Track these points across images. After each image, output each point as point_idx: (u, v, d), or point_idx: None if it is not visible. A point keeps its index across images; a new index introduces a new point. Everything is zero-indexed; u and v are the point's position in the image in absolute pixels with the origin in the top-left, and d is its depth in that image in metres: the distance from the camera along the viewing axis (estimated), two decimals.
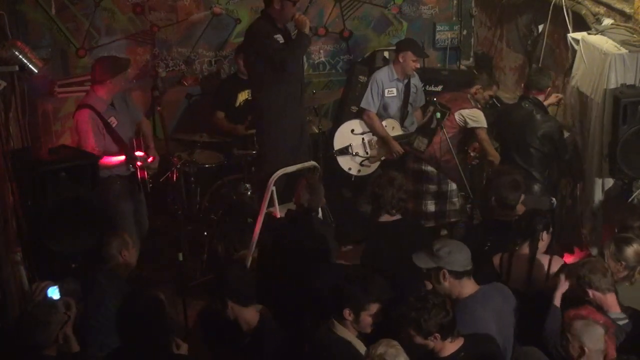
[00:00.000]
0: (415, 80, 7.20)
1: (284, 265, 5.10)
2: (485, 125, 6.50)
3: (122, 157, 6.14)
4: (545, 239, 4.84)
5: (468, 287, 4.32)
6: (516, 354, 4.04)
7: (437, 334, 3.88)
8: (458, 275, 4.28)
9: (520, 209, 5.35)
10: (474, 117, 6.49)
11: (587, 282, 4.31)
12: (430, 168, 6.64)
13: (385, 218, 5.22)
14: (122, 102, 6.37)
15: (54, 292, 4.48)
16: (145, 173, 6.26)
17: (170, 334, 4.15)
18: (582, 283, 4.32)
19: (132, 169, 6.20)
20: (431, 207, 6.71)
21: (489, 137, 6.63)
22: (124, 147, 6.17)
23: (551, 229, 4.90)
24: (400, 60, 7.00)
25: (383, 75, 7.13)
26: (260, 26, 6.41)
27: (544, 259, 4.80)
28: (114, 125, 6.17)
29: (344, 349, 4.10)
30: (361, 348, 4.11)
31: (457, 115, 6.52)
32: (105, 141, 6.17)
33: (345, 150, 7.16)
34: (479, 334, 4.09)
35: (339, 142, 7.18)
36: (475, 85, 6.65)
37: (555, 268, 4.77)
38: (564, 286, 4.36)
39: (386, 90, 7.07)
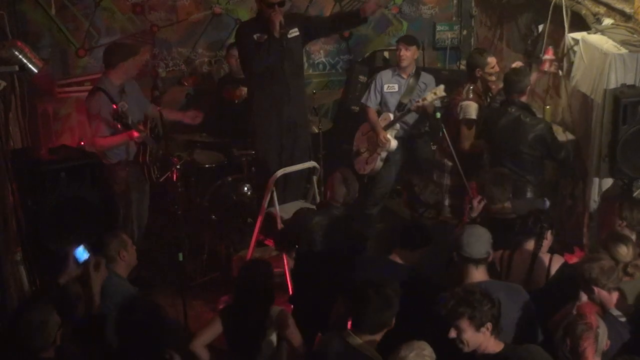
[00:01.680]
0: (427, 79, 7.17)
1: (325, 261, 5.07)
2: (470, 117, 6.49)
3: (122, 135, 6.20)
4: (549, 238, 4.87)
5: (473, 276, 4.35)
6: (519, 351, 4.03)
7: (489, 324, 3.87)
8: (463, 259, 4.35)
9: (507, 208, 5.38)
10: (463, 106, 6.54)
11: (593, 279, 4.31)
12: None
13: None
14: (133, 89, 6.50)
15: (81, 254, 4.57)
16: (147, 157, 6.32)
17: (165, 343, 4.12)
18: (587, 280, 4.33)
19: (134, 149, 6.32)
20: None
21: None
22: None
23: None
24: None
25: (385, 72, 7.22)
26: (243, 25, 6.66)
27: (545, 258, 4.82)
28: (123, 110, 6.25)
29: None
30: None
31: (457, 109, 6.59)
32: (114, 125, 6.23)
33: (357, 152, 7.28)
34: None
35: (355, 144, 7.34)
36: (477, 68, 6.60)
37: (555, 267, 4.79)
38: (583, 298, 4.35)
39: (385, 86, 7.12)
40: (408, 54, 7.01)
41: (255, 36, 6.30)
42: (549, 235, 4.85)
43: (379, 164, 7.12)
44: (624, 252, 4.66)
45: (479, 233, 4.46)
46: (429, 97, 6.69)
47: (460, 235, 4.43)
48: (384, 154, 7.08)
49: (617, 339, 4.14)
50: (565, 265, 4.85)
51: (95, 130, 6.30)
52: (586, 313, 3.99)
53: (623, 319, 4.30)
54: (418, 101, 6.77)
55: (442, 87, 6.71)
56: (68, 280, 4.55)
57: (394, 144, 7.01)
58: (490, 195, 5.37)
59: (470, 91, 6.57)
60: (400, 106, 7.08)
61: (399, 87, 7.10)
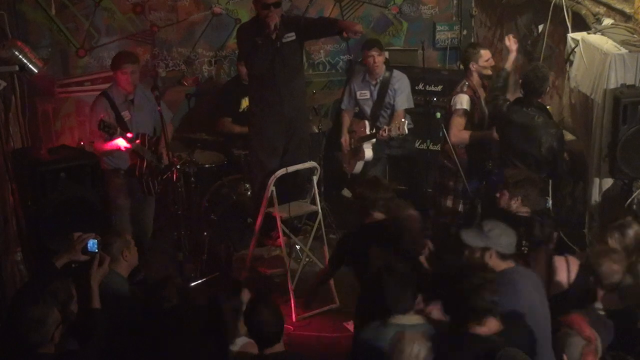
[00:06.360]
0: (397, 83, 7.06)
1: None
2: (460, 107, 6.42)
3: (112, 144, 6.12)
4: None
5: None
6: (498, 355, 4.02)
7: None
8: (504, 256, 4.33)
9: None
10: (455, 98, 6.49)
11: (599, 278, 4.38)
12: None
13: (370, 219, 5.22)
14: (145, 101, 6.47)
15: (93, 246, 4.60)
16: (143, 171, 6.29)
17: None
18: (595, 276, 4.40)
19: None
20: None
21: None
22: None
23: None
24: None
25: (357, 77, 7.24)
26: (243, 26, 6.69)
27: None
28: (126, 119, 6.25)
29: None
30: None
31: (451, 101, 6.55)
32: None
33: (343, 151, 7.27)
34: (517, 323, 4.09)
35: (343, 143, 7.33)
36: (471, 62, 6.52)
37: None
38: None
39: (358, 93, 7.16)
40: (381, 59, 6.98)
41: (252, 39, 6.28)
42: None
43: (358, 167, 7.12)
44: (633, 234, 4.72)
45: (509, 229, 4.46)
46: (393, 130, 6.63)
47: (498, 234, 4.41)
48: (360, 163, 7.07)
49: (603, 334, 4.16)
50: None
51: (90, 133, 6.29)
52: (581, 326, 3.98)
53: (602, 313, 4.36)
54: (384, 130, 6.72)
55: (405, 124, 6.59)
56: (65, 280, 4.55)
57: (368, 154, 6.99)
58: (524, 195, 5.24)
59: (465, 85, 6.55)
60: (374, 114, 7.07)
61: (370, 94, 7.10)
